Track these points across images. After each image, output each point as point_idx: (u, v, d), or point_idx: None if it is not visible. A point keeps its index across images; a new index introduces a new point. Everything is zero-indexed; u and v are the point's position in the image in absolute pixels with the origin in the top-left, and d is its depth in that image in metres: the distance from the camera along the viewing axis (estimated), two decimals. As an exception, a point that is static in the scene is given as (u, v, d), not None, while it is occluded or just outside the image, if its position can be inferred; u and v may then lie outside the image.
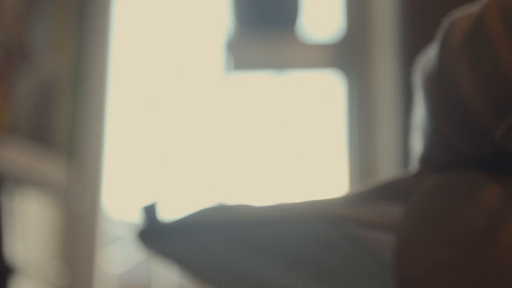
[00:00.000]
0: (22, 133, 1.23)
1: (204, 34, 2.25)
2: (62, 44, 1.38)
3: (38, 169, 1.27)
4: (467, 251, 0.33)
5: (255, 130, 2.16)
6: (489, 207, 0.33)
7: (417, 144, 0.48)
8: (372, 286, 0.44)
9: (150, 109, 2.26)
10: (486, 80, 0.39)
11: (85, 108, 1.47)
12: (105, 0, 2.10)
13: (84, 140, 1.48)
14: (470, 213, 0.33)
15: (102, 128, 2.04)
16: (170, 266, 0.50)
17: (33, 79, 1.27)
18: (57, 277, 1.45)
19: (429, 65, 0.45)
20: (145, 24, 2.31)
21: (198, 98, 2.24)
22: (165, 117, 2.25)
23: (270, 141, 2.13)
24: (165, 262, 0.49)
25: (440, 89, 0.42)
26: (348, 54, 2.07)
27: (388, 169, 1.76)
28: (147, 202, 0.46)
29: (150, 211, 0.45)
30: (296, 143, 2.13)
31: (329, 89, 2.17)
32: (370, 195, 0.38)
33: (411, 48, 1.67)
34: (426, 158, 0.42)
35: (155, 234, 0.45)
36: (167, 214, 0.46)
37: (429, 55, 0.47)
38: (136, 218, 0.47)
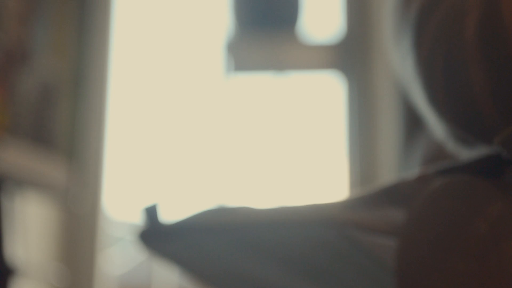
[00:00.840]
0: (22, 134, 1.23)
1: (204, 35, 2.25)
2: (62, 45, 1.38)
3: (38, 170, 1.27)
4: (469, 257, 0.33)
5: (256, 131, 2.16)
6: (492, 214, 0.33)
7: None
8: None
9: (150, 110, 2.26)
10: (498, 76, 0.38)
11: (85, 109, 1.47)
12: (105, 1, 2.10)
13: (85, 141, 1.48)
14: (472, 219, 0.33)
15: (103, 130, 2.04)
16: (171, 267, 0.50)
17: (33, 80, 1.27)
18: (57, 278, 1.45)
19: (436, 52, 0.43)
20: (146, 25, 2.31)
21: (198, 99, 2.24)
22: (165, 118, 2.25)
23: (271, 142, 2.13)
24: (166, 263, 0.49)
25: (447, 81, 0.41)
26: (348, 56, 2.07)
27: (388, 171, 1.76)
28: (148, 203, 0.46)
29: (151, 212, 0.45)
30: (296, 145, 2.13)
31: (329, 91, 2.17)
32: (372, 199, 0.38)
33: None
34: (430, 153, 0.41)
35: (156, 236, 0.45)
36: (168, 215, 0.46)
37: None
38: (137, 219, 0.47)
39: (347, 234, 0.38)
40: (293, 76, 2.15)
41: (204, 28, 2.26)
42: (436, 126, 0.47)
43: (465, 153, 0.45)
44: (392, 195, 0.38)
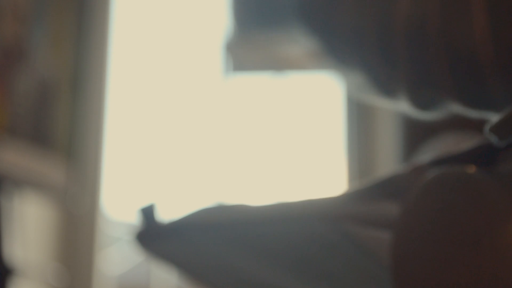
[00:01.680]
0: (21, 134, 1.23)
1: (202, 35, 2.25)
2: (61, 44, 1.38)
3: (37, 170, 1.27)
4: (465, 248, 0.33)
5: (254, 131, 2.16)
6: (487, 203, 0.33)
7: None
8: (370, 286, 0.44)
9: (149, 110, 2.26)
10: (502, 26, 0.38)
11: (84, 109, 1.47)
12: (104, 0, 2.10)
13: (83, 141, 1.48)
14: (468, 210, 0.33)
15: (101, 129, 2.04)
16: (168, 267, 0.50)
17: (31, 79, 1.27)
18: (56, 278, 1.45)
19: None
20: (144, 25, 2.31)
21: (197, 99, 2.24)
22: (164, 118, 2.25)
23: (269, 142, 2.13)
24: (163, 264, 0.49)
25: (444, 31, 0.41)
26: (346, 56, 2.07)
27: (387, 168, 1.76)
28: (145, 204, 0.46)
29: (148, 212, 0.45)
30: (295, 145, 2.13)
31: (327, 91, 2.17)
32: (367, 193, 0.38)
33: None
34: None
35: (153, 236, 0.45)
36: (165, 215, 0.46)
37: None
38: (134, 219, 0.47)
39: (342, 228, 0.39)
40: (291, 76, 2.15)
41: (203, 28, 2.26)
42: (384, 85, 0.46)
43: (423, 115, 0.45)
44: (386, 188, 0.38)
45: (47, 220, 1.85)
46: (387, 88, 0.47)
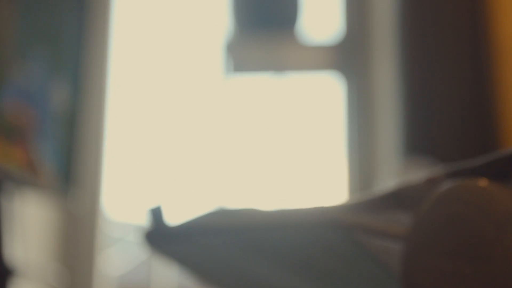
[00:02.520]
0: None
1: (203, 36, 2.25)
2: (61, 38, 1.38)
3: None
4: (475, 260, 0.33)
5: (255, 132, 2.16)
6: (498, 216, 0.33)
7: None
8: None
9: (150, 111, 2.26)
10: None
11: (84, 109, 1.47)
12: (104, 1, 2.10)
13: (83, 142, 1.48)
14: (479, 222, 0.33)
15: (102, 129, 2.04)
16: (175, 267, 0.50)
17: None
18: (56, 279, 1.45)
19: None
20: (145, 25, 2.31)
21: (198, 100, 2.24)
22: (164, 119, 2.24)
23: (270, 143, 2.13)
24: (170, 264, 0.50)
25: None
26: (347, 56, 2.07)
27: (387, 171, 1.76)
28: (153, 205, 0.46)
29: (156, 213, 0.45)
30: (295, 145, 2.13)
31: (328, 91, 2.17)
32: (379, 203, 0.38)
33: (410, 50, 1.67)
34: None
35: (161, 236, 0.46)
36: (171, 217, 0.46)
37: None
38: (138, 220, 0.47)
39: (353, 237, 0.39)
40: (292, 77, 2.15)
41: (204, 29, 2.26)
42: None
43: None
44: (399, 198, 0.38)
45: (47, 220, 1.85)
46: None
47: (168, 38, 2.29)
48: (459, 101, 1.56)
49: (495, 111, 1.55)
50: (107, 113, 2.06)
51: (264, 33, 2.04)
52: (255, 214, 0.41)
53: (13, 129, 1.19)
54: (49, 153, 1.31)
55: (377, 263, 0.40)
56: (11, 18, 1.18)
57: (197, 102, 2.23)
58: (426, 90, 1.62)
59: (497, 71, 1.57)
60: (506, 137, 1.53)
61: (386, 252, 0.38)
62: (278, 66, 2.11)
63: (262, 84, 2.18)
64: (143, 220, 0.47)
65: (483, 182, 0.34)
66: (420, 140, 1.60)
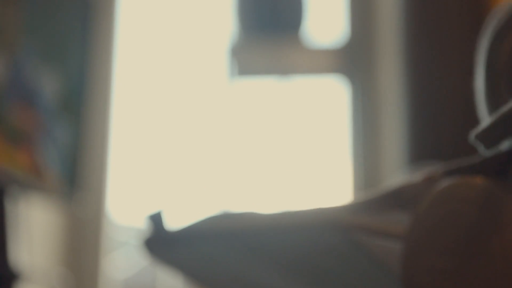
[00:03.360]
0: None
1: (208, 39, 2.25)
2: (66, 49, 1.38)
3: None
4: (475, 258, 0.33)
5: (260, 136, 2.16)
6: (498, 214, 0.33)
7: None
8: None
9: (154, 114, 2.26)
10: None
11: (89, 112, 1.47)
12: (109, 5, 2.11)
13: (89, 145, 1.48)
14: (477, 220, 0.33)
15: (107, 133, 2.04)
16: (175, 273, 0.50)
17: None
18: (61, 283, 1.45)
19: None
20: (150, 29, 2.32)
21: (203, 104, 2.24)
22: (169, 123, 2.25)
23: (275, 146, 2.13)
24: (170, 270, 0.49)
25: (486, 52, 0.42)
26: (352, 60, 2.07)
27: (392, 174, 1.76)
28: (153, 210, 0.46)
29: (156, 219, 0.45)
30: (300, 149, 2.13)
31: (333, 95, 2.17)
32: (378, 203, 0.38)
33: (415, 53, 1.67)
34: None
35: (161, 242, 0.45)
36: (172, 221, 0.46)
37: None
38: (141, 224, 0.47)
39: (352, 238, 0.39)
40: (297, 80, 2.15)
41: (208, 33, 2.26)
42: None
43: None
44: (398, 197, 0.38)
45: (53, 224, 1.85)
46: None
47: (173, 42, 2.29)
48: (465, 105, 1.55)
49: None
50: (113, 116, 2.06)
51: (269, 36, 2.04)
52: (256, 217, 0.41)
53: (18, 132, 1.19)
54: (54, 156, 1.31)
55: (377, 263, 0.40)
56: (14, 17, 1.18)
57: (201, 106, 2.23)
58: (431, 94, 1.62)
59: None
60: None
61: (385, 252, 0.38)
62: (283, 69, 2.12)
63: (266, 88, 2.18)
64: (144, 226, 0.47)
65: (481, 180, 0.34)
66: (425, 143, 1.60)
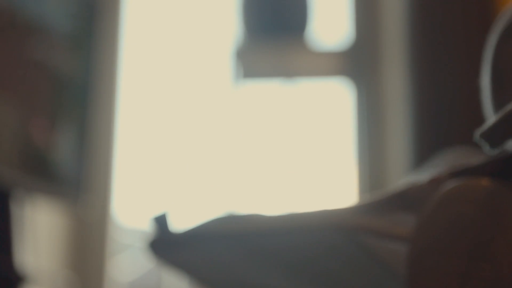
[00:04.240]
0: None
1: (212, 42, 2.26)
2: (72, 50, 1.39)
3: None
4: (481, 261, 0.33)
5: (264, 139, 2.16)
6: (504, 216, 0.33)
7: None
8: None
9: (159, 117, 2.26)
10: None
11: (94, 116, 1.47)
12: (114, 7, 2.11)
13: (94, 148, 1.48)
14: (483, 222, 0.33)
15: (112, 135, 2.04)
16: (181, 275, 0.50)
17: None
18: (67, 285, 1.46)
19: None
20: (154, 31, 2.32)
21: (207, 106, 2.24)
22: (174, 125, 2.25)
23: (279, 149, 2.13)
24: (176, 272, 0.49)
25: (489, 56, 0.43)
26: (357, 62, 2.07)
27: (397, 177, 1.75)
28: (158, 213, 0.46)
29: (161, 221, 0.45)
30: (305, 152, 2.13)
31: (338, 97, 2.17)
32: (384, 204, 0.38)
33: (420, 56, 1.66)
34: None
35: (166, 244, 0.45)
36: (177, 223, 0.46)
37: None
38: (147, 226, 0.47)
39: (357, 239, 0.39)
40: (302, 83, 2.15)
41: (213, 35, 2.26)
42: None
43: None
44: (404, 199, 0.38)
45: (58, 227, 1.86)
46: None
47: (178, 44, 2.29)
48: (470, 108, 1.55)
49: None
50: (118, 119, 2.06)
51: (274, 39, 2.04)
52: (261, 219, 0.41)
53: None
54: (60, 159, 1.31)
55: (383, 265, 0.40)
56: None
57: (206, 108, 2.24)
58: (436, 96, 1.61)
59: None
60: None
61: (391, 253, 0.38)
62: (288, 72, 2.12)
63: (271, 91, 2.18)
64: (149, 228, 0.47)
65: (487, 181, 0.34)
66: (430, 146, 1.59)
